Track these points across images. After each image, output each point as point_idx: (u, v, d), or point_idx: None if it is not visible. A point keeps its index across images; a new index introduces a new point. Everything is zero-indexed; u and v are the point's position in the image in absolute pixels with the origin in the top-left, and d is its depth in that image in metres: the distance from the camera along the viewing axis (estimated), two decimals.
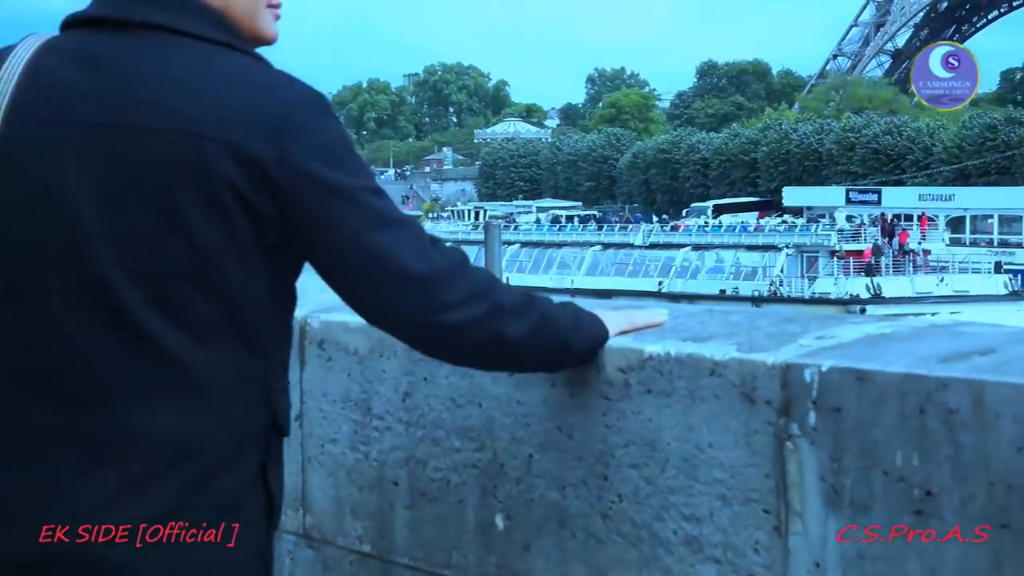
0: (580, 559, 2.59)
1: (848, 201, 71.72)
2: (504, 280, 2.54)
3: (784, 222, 66.23)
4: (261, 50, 2.30)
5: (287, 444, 3.17)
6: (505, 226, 67.00)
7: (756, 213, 74.31)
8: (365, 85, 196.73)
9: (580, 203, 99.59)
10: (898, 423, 2.08)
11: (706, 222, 69.71)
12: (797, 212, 72.20)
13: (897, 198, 72.16)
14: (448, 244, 2.28)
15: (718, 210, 77.15)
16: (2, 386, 2.19)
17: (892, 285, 54.25)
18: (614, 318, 2.56)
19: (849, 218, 63.35)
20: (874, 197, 72.71)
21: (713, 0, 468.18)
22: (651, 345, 2.47)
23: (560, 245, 66.84)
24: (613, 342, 2.51)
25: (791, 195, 78.77)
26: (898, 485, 2.08)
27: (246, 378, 2.19)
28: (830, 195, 75.19)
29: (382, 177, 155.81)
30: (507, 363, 2.46)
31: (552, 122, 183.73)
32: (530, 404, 2.67)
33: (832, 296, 53.44)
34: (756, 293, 55.27)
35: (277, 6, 2.35)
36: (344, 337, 3.07)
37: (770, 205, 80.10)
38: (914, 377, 2.07)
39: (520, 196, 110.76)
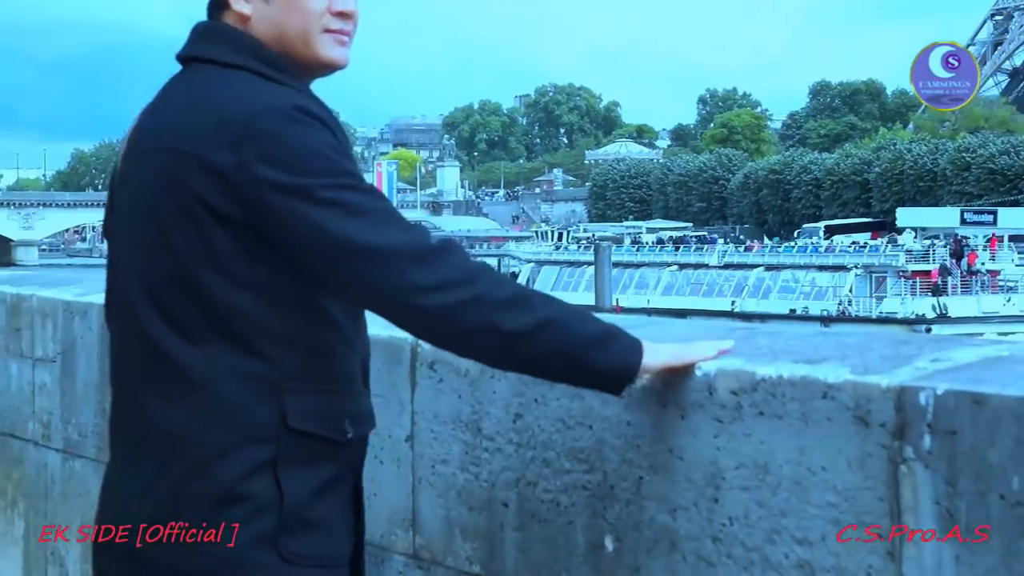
0: None
1: (963, 222, 70.68)
2: (613, 301, 2.53)
3: (854, 243, 66.19)
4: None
5: (397, 465, 3.20)
6: (586, 247, 68.14)
7: (868, 234, 73.60)
8: (476, 107, 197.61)
9: (691, 224, 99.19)
10: (1015, 447, 2.05)
11: (779, 243, 69.87)
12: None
13: (1014, 219, 71.02)
14: (477, 256, 2.33)
15: (830, 231, 76.50)
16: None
17: (959, 305, 54.31)
18: (661, 350, 2.49)
19: (917, 238, 63.24)
20: (990, 218, 71.61)
21: (827, 21, 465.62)
22: (763, 367, 2.45)
23: (638, 265, 67.66)
24: (725, 364, 2.50)
25: (905, 216, 77.71)
26: (1015, 510, 2.05)
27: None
28: (945, 216, 74.07)
29: (490, 198, 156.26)
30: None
31: (663, 143, 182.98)
32: (640, 426, 2.66)
33: (899, 316, 53.40)
34: (825, 312, 55.77)
35: (339, 32, 2.43)
36: (455, 358, 3.07)
37: (883, 226, 79.09)
38: None
39: (630, 217, 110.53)
